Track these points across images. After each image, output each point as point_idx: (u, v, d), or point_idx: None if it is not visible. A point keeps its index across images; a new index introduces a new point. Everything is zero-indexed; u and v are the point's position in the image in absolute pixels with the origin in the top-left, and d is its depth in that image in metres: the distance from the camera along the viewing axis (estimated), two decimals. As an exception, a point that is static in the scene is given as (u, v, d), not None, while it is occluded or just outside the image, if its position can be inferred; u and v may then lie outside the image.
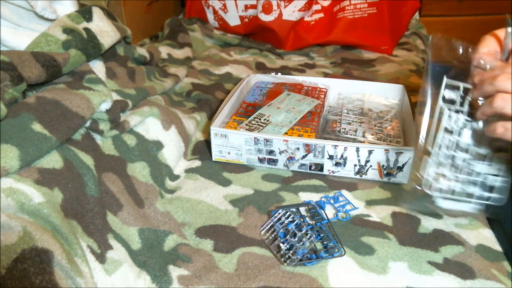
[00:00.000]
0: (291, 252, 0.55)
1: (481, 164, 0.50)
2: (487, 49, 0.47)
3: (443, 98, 0.49)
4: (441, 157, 0.51)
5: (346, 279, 0.52)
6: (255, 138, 0.72)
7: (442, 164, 0.51)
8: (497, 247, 0.57)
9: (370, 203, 0.66)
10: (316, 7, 1.32)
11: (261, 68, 1.21)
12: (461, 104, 0.49)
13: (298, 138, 0.71)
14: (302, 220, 0.61)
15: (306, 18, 1.33)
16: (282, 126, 0.78)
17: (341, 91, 0.94)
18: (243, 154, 0.75)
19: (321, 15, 1.33)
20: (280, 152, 0.73)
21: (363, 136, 0.76)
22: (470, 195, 0.51)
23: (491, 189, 0.50)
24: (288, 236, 0.58)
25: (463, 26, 1.62)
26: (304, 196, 0.68)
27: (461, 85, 0.48)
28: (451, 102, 0.50)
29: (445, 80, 0.49)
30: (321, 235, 0.59)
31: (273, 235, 0.59)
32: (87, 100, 0.60)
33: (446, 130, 0.50)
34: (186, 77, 1.07)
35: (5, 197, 0.45)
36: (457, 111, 0.50)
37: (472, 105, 0.49)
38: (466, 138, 0.50)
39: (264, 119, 0.80)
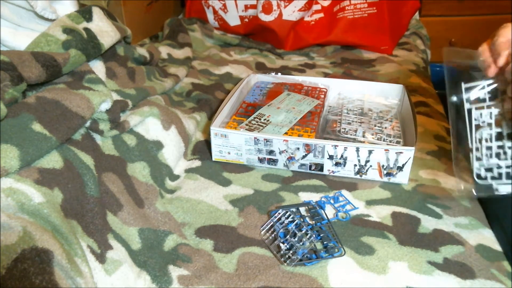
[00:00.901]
0: (291, 252, 0.55)
1: None
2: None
3: (468, 100, 0.53)
4: (484, 150, 0.54)
5: (346, 279, 0.52)
6: (255, 138, 0.72)
7: (489, 156, 0.54)
8: (497, 247, 0.57)
9: (370, 203, 0.66)
10: (316, 7, 1.32)
11: (261, 68, 1.21)
12: (491, 99, 0.53)
13: (298, 138, 0.71)
14: (302, 220, 0.61)
15: (306, 18, 1.33)
16: (282, 126, 0.78)
17: (341, 91, 0.94)
18: (243, 154, 0.75)
19: (321, 15, 1.33)
20: (280, 152, 0.73)
21: (363, 136, 0.76)
22: None
23: None
24: (288, 236, 0.58)
25: (463, 26, 1.62)
26: (304, 196, 0.68)
27: (482, 83, 0.52)
28: (479, 100, 0.53)
29: (463, 85, 0.52)
30: (321, 235, 0.59)
31: (273, 235, 0.59)
32: (87, 100, 0.60)
33: (478, 126, 0.53)
34: (186, 77, 1.07)
35: (5, 197, 0.45)
36: (488, 106, 0.53)
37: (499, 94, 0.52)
38: (507, 127, 0.53)
39: (264, 119, 0.80)
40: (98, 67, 0.75)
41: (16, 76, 0.56)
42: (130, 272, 0.52)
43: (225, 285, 0.52)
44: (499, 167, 0.54)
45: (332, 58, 1.29)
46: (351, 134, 0.76)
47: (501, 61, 0.49)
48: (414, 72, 1.15)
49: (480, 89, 0.53)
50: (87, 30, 0.73)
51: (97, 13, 0.78)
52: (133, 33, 0.94)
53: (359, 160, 0.70)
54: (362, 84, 0.93)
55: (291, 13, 1.31)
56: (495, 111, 0.52)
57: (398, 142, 0.74)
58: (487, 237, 0.59)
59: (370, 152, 0.68)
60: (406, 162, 0.68)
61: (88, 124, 0.63)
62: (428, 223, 0.61)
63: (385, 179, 0.71)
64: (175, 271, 0.54)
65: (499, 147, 0.53)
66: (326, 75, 1.16)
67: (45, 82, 0.63)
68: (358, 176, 0.72)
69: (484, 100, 0.53)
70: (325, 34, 1.33)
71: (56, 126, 0.54)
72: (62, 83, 0.65)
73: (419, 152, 0.78)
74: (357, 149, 0.68)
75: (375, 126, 0.79)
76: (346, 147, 0.69)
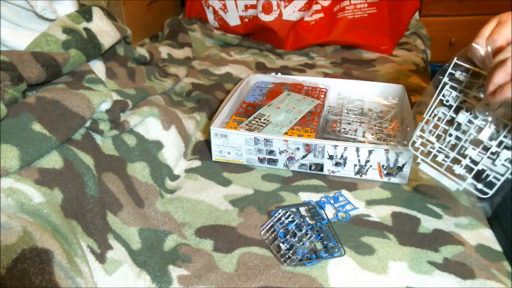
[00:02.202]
0: (291, 252, 0.55)
1: (473, 150, 0.52)
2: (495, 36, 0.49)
3: (450, 74, 0.53)
4: (431, 126, 0.56)
5: (346, 279, 0.52)
6: (255, 138, 0.72)
7: (431, 132, 0.56)
8: (497, 247, 0.57)
9: (370, 203, 0.66)
10: (316, 7, 1.32)
11: (261, 68, 1.21)
12: (468, 88, 0.53)
13: (298, 138, 0.71)
14: (302, 220, 0.61)
15: (306, 18, 1.33)
16: (282, 126, 0.78)
17: (341, 91, 0.94)
18: (243, 154, 0.75)
19: (321, 15, 1.33)
20: (280, 152, 0.73)
21: (363, 136, 0.76)
22: (452, 172, 0.54)
23: (478, 177, 0.51)
24: (288, 236, 0.58)
25: (463, 26, 1.62)
26: (304, 196, 0.68)
27: (472, 68, 0.52)
28: (459, 82, 0.54)
29: (455, 58, 0.52)
30: (321, 235, 0.59)
31: (273, 235, 0.59)
32: (87, 100, 0.60)
33: (442, 102, 0.54)
34: (186, 77, 1.07)
35: (5, 197, 0.45)
36: (460, 91, 0.53)
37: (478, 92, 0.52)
38: (461, 118, 0.53)
39: (264, 119, 0.80)
40: (98, 67, 0.75)
41: (16, 76, 0.56)
42: (130, 272, 0.52)
43: (225, 285, 0.52)
44: (433, 148, 0.55)
45: (332, 58, 1.29)
46: (351, 134, 0.76)
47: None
48: (414, 72, 1.15)
49: (465, 72, 0.53)
50: (87, 30, 0.73)
51: (97, 13, 0.78)
52: (133, 33, 0.94)
53: (359, 160, 0.70)
54: (362, 84, 0.93)
55: (291, 13, 1.31)
56: (461, 98, 0.53)
57: (398, 142, 0.74)
58: (487, 237, 0.59)
59: (370, 152, 0.68)
60: (406, 162, 0.68)
61: (88, 124, 0.63)
62: (428, 223, 0.61)
63: (385, 179, 0.71)
64: (175, 271, 0.54)
65: (445, 131, 0.55)
66: (326, 75, 1.16)
67: (45, 82, 0.63)
68: (358, 176, 0.72)
69: (461, 83, 0.54)
70: (325, 34, 1.33)
71: (56, 126, 0.54)
72: (62, 83, 0.65)
73: (419, 152, 0.78)
74: (357, 149, 0.68)
75: (375, 126, 0.79)
76: (346, 147, 0.69)
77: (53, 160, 0.52)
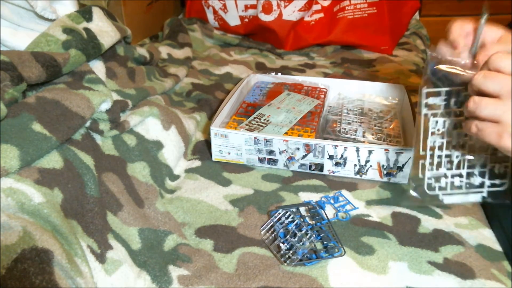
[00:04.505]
0: (291, 252, 0.55)
1: (478, 156, 0.51)
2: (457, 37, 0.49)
3: (427, 104, 0.51)
4: (436, 158, 0.53)
5: (346, 279, 0.52)
6: (255, 138, 0.72)
7: (439, 164, 0.53)
8: (497, 247, 0.57)
9: (370, 203, 0.66)
10: (316, 7, 1.32)
11: (261, 68, 1.21)
12: (447, 106, 0.51)
13: (298, 138, 0.71)
14: (302, 220, 0.61)
15: (306, 18, 1.33)
16: (282, 126, 0.78)
17: (341, 91, 0.94)
18: (243, 154, 0.75)
19: (321, 15, 1.33)
20: (280, 152, 0.73)
21: (363, 136, 0.76)
22: (471, 185, 0.52)
23: (491, 175, 0.51)
24: (288, 236, 0.58)
25: (463, 26, 1.62)
26: (304, 196, 0.68)
27: (443, 90, 0.50)
28: (435, 107, 0.52)
29: (424, 90, 0.51)
30: (321, 235, 0.59)
31: (273, 235, 0.59)
32: (87, 100, 0.60)
33: (434, 133, 0.52)
34: (186, 77, 1.07)
35: (5, 197, 0.45)
36: (444, 114, 0.52)
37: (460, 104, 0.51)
38: (457, 137, 0.52)
39: (264, 119, 0.80)
40: (98, 67, 0.75)
41: (16, 76, 0.56)
42: (130, 272, 0.52)
43: (225, 285, 0.52)
44: (446, 176, 0.53)
45: (332, 58, 1.29)
46: (351, 134, 0.76)
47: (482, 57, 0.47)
48: (414, 72, 1.15)
49: (438, 95, 0.51)
50: (87, 30, 0.73)
51: (97, 13, 0.78)
52: (133, 33, 0.94)
53: (359, 160, 0.70)
54: (362, 84, 0.93)
55: (291, 13, 1.31)
56: (448, 120, 0.51)
57: (398, 142, 0.74)
58: (487, 237, 0.59)
59: (370, 152, 0.68)
60: (406, 162, 0.68)
61: (88, 124, 0.63)
62: (428, 223, 0.61)
63: (385, 179, 0.71)
64: (175, 271, 0.54)
65: (447, 156, 0.52)
66: (326, 75, 1.16)
67: (45, 82, 0.63)
68: (358, 176, 0.72)
69: (439, 107, 0.52)
70: (325, 34, 1.33)
71: (56, 126, 0.54)
72: (62, 83, 0.65)
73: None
74: (357, 149, 0.68)
75: (375, 126, 0.79)
76: (346, 147, 0.69)
77: (53, 160, 0.52)
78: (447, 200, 0.53)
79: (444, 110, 0.51)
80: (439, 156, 0.52)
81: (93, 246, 0.51)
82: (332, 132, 0.77)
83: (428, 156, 0.52)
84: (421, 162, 0.53)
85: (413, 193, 0.53)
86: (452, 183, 0.53)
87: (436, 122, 0.52)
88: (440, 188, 0.53)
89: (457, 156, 0.52)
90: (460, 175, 0.52)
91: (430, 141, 0.52)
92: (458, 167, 0.52)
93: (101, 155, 0.62)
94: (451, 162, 0.52)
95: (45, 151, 0.52)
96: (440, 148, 0.52)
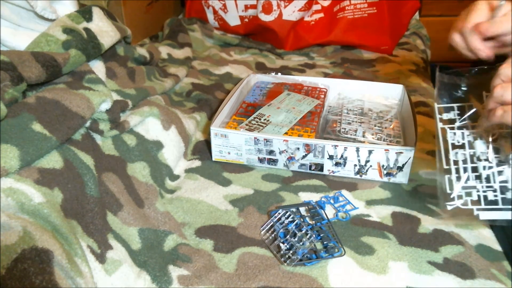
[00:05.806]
0: (291, 252, 0.55)
1: (506, 168, 0.51)
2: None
3: (442, 120, 0.53)
4: (461, 171, 0.52)
5: (346, 279, 0.52)
6: (255, 138, 0.72)
7: (467, 177, 0.52)
8: (497, 247, 0.57)
9: (370, 203, 0.66)
10: (316, 7, 1.32)
11: (261, 68, 1.21)
12: (462, 119, 0.52)
13: (298, 138, 0.71)
14: (302, 220, 0.61)
15: (306, 18, 1.33)
16: (282, 126, 0.78)
17: (341, 91, 0.94)
18: (243, 154, 0.75)
19: (321, 15, 1.33)
20: (280, 152, 0.73)
21: (363, 136, 0.76)
22: (506, 201, 0.51)
23: None
24: (288, 236, 0.58)
25: (463, 26, 1.62)
26: (304, 196, 0.68)
27: (455, 105, 0.52)
28: (451, 121, 0.53)
29: (436, 106, 0.52)
30: (321, 235, 0.59)
31: (273, 235, 0.59)
32: (87, 100, 0.60)
33: (455, 146, 0.52)
34: (186, 77, 1.07)
35: (5, 197, 0.45)
36: (459, 128, 0.53)
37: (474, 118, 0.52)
38: (480, 147, 0.52)
39: (264, 119, 0.80)
40: (98, 67, 0.75)
41: (16, 76, 0.56)
42: (130, 272, 0.52)
43: (225, 285, 0.52)
44: (477, 190, 0.52)
45: (332, 58, 1.29)
46: (351, 134, 0.76)
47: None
48: (414, 72, 1.15)
49: (451, 110, 0.53)
50: (87, 30, 0.73)
51: (97, 13, 0.78)
52: (133, 33, 0.94)
53: (359, 160, 0.70)
54: (362, 84, 0.93)
55: (291, 13, 1.31)
56: (467, 132, 0.52)
57: (398, 142, 0.74)
58: (487, 237, 0.59)
59: (370, 152, 0.68)
60: (406, 162, 0.68)
61: (88, 124, 0.63)
62: (428, 223, 0.61)
63: (385, 179, 0.71)
64: (175, 271, 0.54)
65: (474, 169, 0.52)
66: (326, 75, 1.16)
67: (45, 82, 0.63)
68: (358, 176, 0.72)
69: (454, 121, 0.52)
70: (325, 34, 1.33)
71: (56, 126, 0.54)
72: (62, 83, 0.65)
73: (419, 152, 0.78)
74: (357, 149, 0.68)
75: (375, 126, 0.79)
76: (346, 147, 0.69)
77: (53, 160, 0.52)
78: (482, 216, 0.51)
79: (459, 123, 0.52)
80: (465, 169, 0.52)
81: (93, 246, 0.51)
82: (332, 132, 0.77)
83: (453, 170, 0.52)
84: (446, 177, 0.52)
85: (449, 206, 0.52)
86: (485, 197, 0.51)
87: (454, 133, 0.52)
88: (473, 203, 0.51)
89: (484, 168, 0.51)
90: (494, 190, 0.51)
91: (453, 154, 0.52)
92: (488, 180, 0.51)
93: (101, 155, 0.62)
94: (479, 176, 0.52)
95: (45, 151, 0.52)
96: (464, 161, 0.52)
